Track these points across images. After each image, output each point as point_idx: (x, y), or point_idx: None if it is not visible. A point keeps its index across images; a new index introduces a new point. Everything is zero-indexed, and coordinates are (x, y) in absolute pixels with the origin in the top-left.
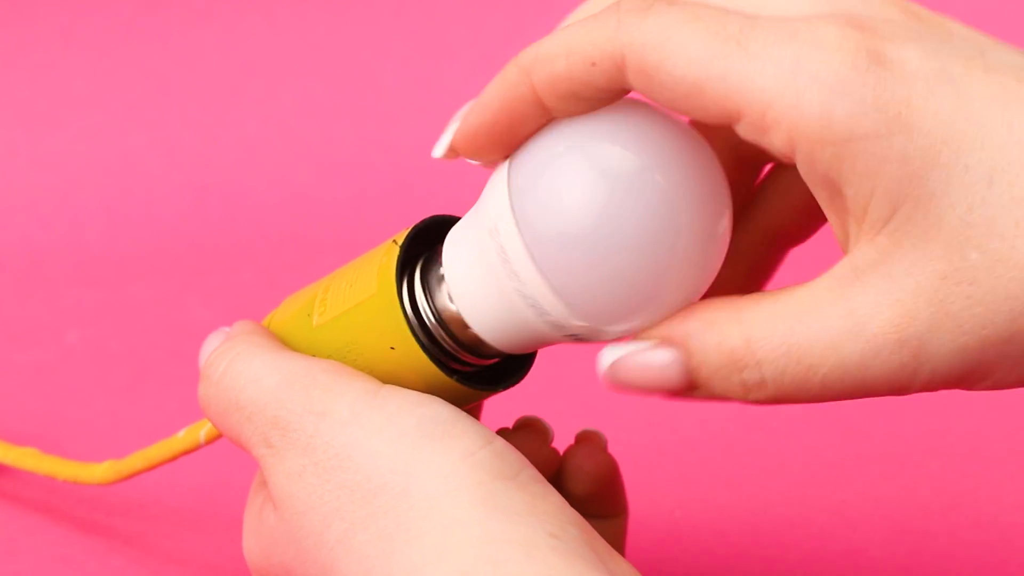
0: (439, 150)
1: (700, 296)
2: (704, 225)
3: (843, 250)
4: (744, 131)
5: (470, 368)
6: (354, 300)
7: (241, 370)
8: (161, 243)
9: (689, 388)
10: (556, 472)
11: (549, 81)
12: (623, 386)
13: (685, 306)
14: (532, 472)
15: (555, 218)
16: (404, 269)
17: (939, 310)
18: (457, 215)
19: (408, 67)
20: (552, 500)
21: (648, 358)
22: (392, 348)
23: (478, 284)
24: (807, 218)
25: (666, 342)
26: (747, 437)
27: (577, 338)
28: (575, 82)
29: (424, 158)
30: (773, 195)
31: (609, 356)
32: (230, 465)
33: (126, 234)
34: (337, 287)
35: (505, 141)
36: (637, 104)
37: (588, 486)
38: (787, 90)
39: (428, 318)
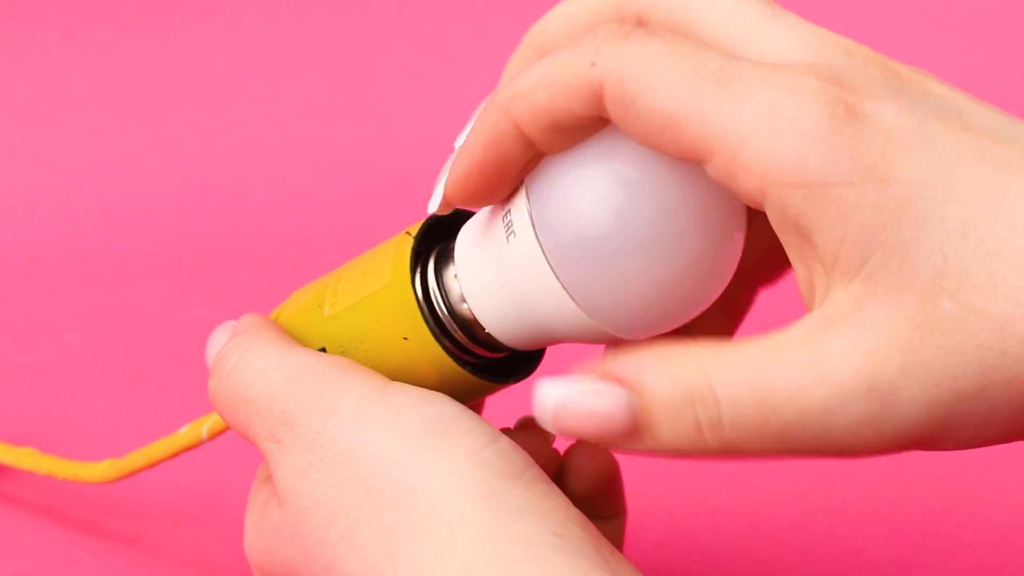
0: (433, 205)
1: (710, 304)
2: (718, 230)
3: (807, 304)
4: (714, 171)
5: (481, 360)
6: (367, 290)
7: (250, 365)
8: (161, 243)
9: (637, 433)
10: (557, 472)
11: (531, 115)
12: (567, 432)
13: (697, 313)
14: (536, 471)
15: (572, 221)
16: (418, 260)
17: (911, 360)
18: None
19: (408, 67)
20: (556, 499)
21: (596, 400)
22: (405, 338)
23: (490, 281)
24: (778, 257)
25: (614, 379)
26: None
27: (588, 340)
28: (556, 113)
29: (424, 158)
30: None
31: (551, 396)
32: (230, 465)
33: (126, 234)
34: (349, 278)
35: (496, 182)
36: None
37: (588, 485)
38: (762, 133)
39: (441, 309)
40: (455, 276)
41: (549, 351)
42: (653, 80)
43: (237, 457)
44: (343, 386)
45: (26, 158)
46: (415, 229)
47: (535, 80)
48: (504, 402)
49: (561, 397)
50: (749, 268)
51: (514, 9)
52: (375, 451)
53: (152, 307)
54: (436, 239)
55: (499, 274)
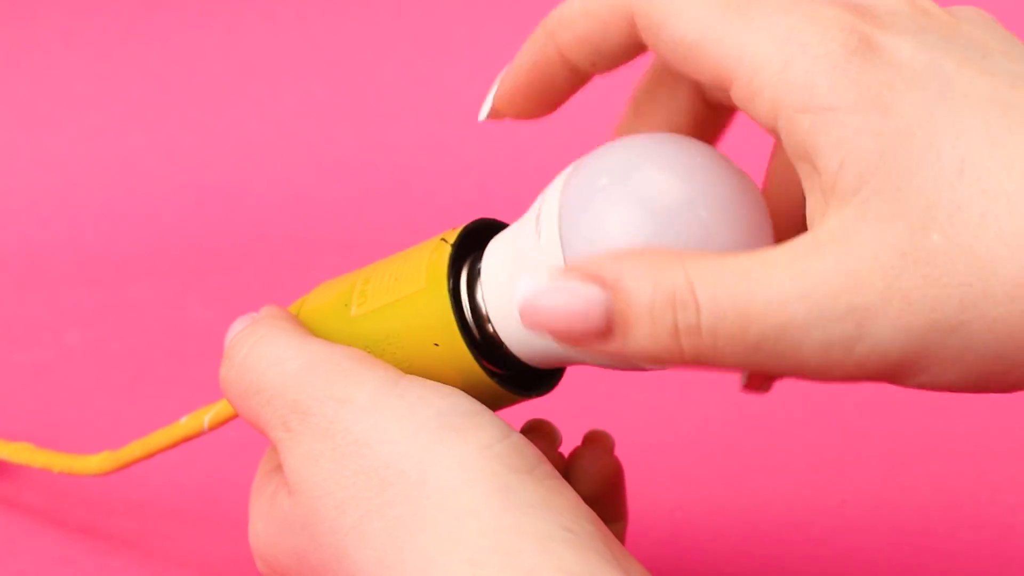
0: (483, 114)
1: None
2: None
3: (808, 225)
4: (736, 97)
5: (507, 372)
6: (400, 293)
7: (263, 353)
8: (161, 243)
9: (610, 333)
10: (563, 475)
11: (572, 43)
12: (537, 325)
13: None
14: (548, 468)
15: (599, 248)
16: (453, 268)
17: (892, 285)
18: (471, 216)
19: (408, 67)
20: (567, 495)
21: (571, 296)
22: (436, 344)
23: (512, 299)
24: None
25: (594, 279)
26: (747, 437)
27: (606, 364)
28: (596, 40)
29: (424, 158)
30: (774, 181)
31: (525, 286)
32: (231, 465)
33: (126, 234)
34: (379, 279)
35: (543, 100)
36: (684, 138)
37: (593, 488)
38: (775, 57)
39: (471, 321)
40: (482, 296)
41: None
42: (678, 8)
43: (238, 456)
44: (357, 377)
45: (26, 158)
46: (451, 236)
47: (575, 9)
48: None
49: (535, 289)
50: (787, 217)
51: (514, 9)
52: (387, 442)
53: (152, 307)
54: (472, 246)
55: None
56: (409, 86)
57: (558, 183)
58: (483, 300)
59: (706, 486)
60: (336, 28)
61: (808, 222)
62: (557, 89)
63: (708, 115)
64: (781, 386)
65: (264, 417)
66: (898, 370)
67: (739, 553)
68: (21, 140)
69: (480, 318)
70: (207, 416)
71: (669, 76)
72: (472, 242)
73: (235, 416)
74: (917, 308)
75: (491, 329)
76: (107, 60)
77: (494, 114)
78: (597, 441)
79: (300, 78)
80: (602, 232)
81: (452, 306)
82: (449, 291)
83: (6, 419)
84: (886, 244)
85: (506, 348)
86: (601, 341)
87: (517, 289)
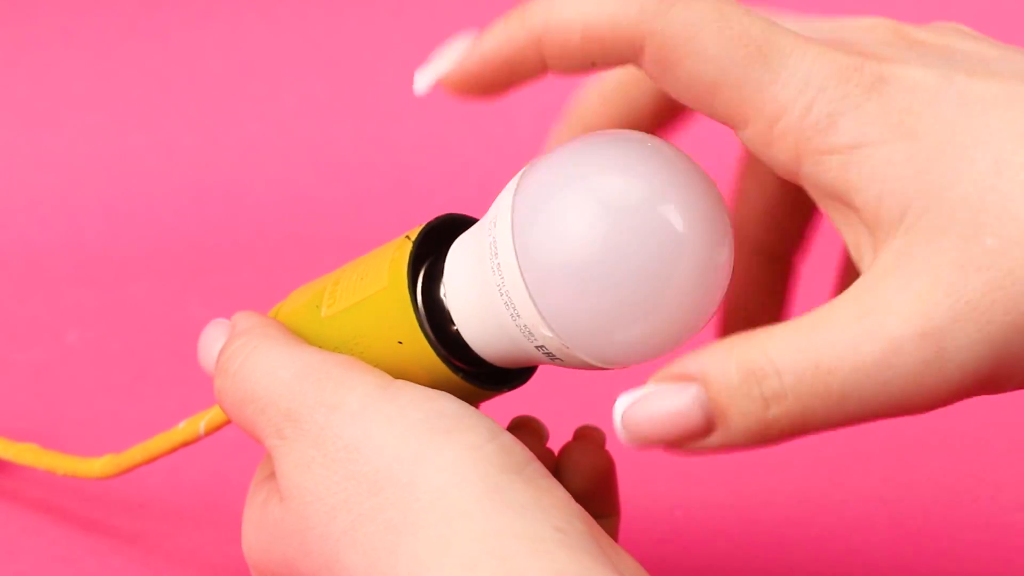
0: (422, 85)
1: (700, 330)
2: (704, 258)
3: (858, 268)
4: (748, 139)
5: (476, 367)
6: (364, 293)
7: (256, 363)
8: (161, 243)
9: (710, 427)
10: (553, 470)
11: (560, 52)
12: (641, 438)
13: (684, 340)
14: (538, 467)
15: (553, 250)
16: (416, 265)
17: (959, 299)
18: (470, 215)
19: (408, 67)
20: (558, 494)
21: (665, 400)
22: (400, 343)
23: (474, 302)
24: (797, 226)
25: (681, 379)
26: None
27: (568, 365)
28: (587, 57)
29: (424, 158)
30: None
31: (623, 403)
32: (231, 464)
33: (126, 234)
34: (348, 280)
35: (497, 88)
36: (642, 136)
37: (585, 483)
38: (797, 102)
39: (426, 316)
40: (444, 295)
41: None
42: (696, 48)
43: (238, 456)
44: (347, 383)
45: (26, 158)
46: (414, 233)
47: (573, 20)
48: (502, 400)
49: (630, 401)
50: (773, 244)
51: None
52: (377, 447)
53: (152, 307)
54: (436, 243)
55: (481, 297)
56: (409, 86)
57: (513, 182)
58: (445, 299)
59: (706, 485)
60: (336, 28)
61: (855, 260)
62: (516, 82)
63: (799, 193)
64: None
65: (259, 426)
66: (991, 380)
67: (739, 552)
68: (21, 140)
69: (443, 316)
70: (202, 422)
71: (750, 165)
72: (440, 238)
73: (230, 421)
74: (989, 315)
75: (454, 329)
76: (107, 60)
77: (433, 85)
78: (588, 436)
79: (300, 78)
80: (554, 233)
81: (412, 303)
82: (410, 288)
83: (6, 419)
84: (942, 261)
85: (472, 348)
86: (702, 436)
87: (615, 410)
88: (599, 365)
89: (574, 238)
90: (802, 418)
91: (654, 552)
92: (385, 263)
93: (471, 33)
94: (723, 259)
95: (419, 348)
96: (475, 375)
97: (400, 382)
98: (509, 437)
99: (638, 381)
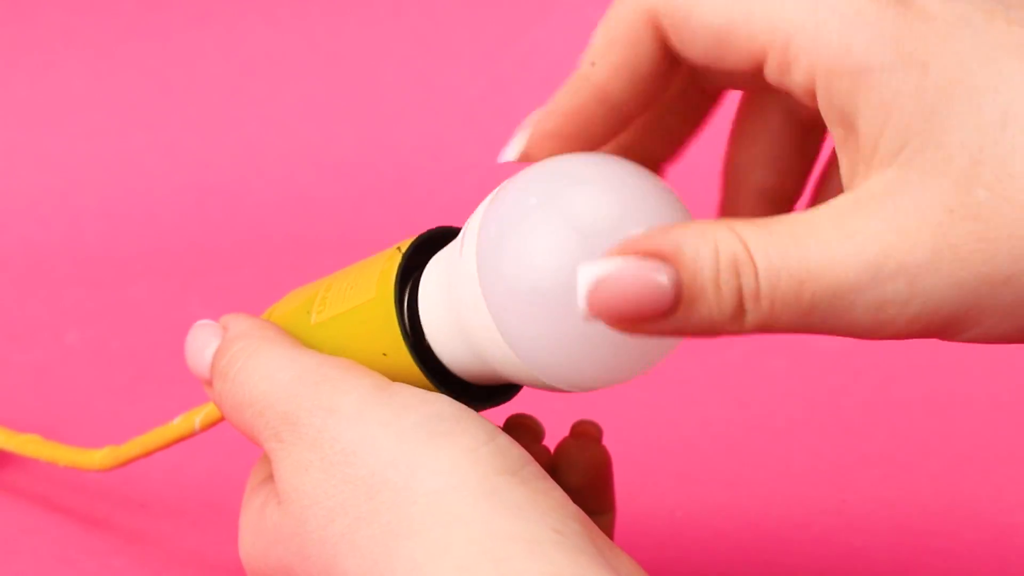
0: (511, 155)
1: (671, 351)
2: None
3: (846, 189)
4: (771, 73)
5: (459, 382)
6: (352, 302)
7: (255, 366)
8: (161, 243)
9: (675, 305)
10: (549, 468)
11: (608, 75)
12: (604, 314)
13: (654, 364)
14: (535, 468)
15: (518, 276)
16: (405, 278)
17: (942, 242)
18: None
19: (408, 67)
20: (555, 496)
21: (638, 278)
22: (384, 354)
23: (444, 323)
24: (795, 164)
25: (654, 254)
26: (748, 437)
27: (536, 386)
28: (630, 66)
29: (424, 158)
30: (757, 148)
31: (588, 274)
32: (232, 463)
33: (126, 234)
34: (338, 287)
35: (577, 141)
36: (609, 157)
37: (581, 478)
38: (808, 22)
39: (410, 330)
40: (420, 314)
41: None
42: None
43: (238, 456)
44: (344, 386)
45: (26, 158)
46: (406, 245)
47: (600, 43)
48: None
49: (600, 273)
50: (775, 188)
51: (514, 9)
52: (374, 450)
53: (152, 307)
54: (427, 256)
55: (449, 314)
56: (409, 86)
57: (485, 203)
58: (420, 317)
59: (707, 486)
60: (336, 28)
61: (845, 183)
62: (596, 133)
63: (805, 135)
64: (783, 387)
65: (257, 429)
66: (950, 326)
67: (740, 553)
68: (21, 140)
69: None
70: (198, 417)
71: (756, 106)
72: (432, 250)
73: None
74: (968, 263)
75: (428, 344)
76: (107, 60)
77: (523, 157)
78: (585, 432)
79: (300, 78)
80: (518, 259)
81: (398, 317)
82: (396, 302)
83: (6, 419)
84: (933, 201)
85: (445, 366)
86: (667, 317)
87: (579, 278)
88: (567, 389)
89: (537, 264)
90: (765, 320)
91: (654, 553)
92: (375, 274)
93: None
94: None
95: (403, 361)
96: (459, 390)
97: (397, 384)
98: (506, 439)
99: (659, 385)
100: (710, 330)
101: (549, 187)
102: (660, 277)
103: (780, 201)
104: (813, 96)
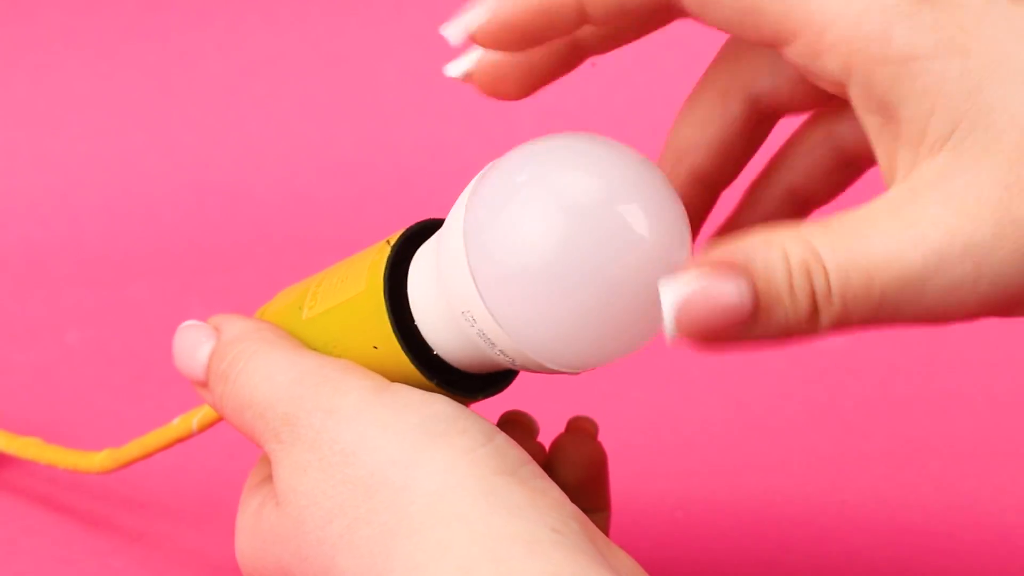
0: (454, 36)
1: (647, 340)
2: (663, 258)
3: (887, 183)
4: (795, 54)
5: (453, 374)
6: (342, 296)
7: (255, 368)
8: (161, 243)
9: (754, 315)
10: (544, 464)
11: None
12: (695, 334)
13: (646, 341)
14: (533, 468)
15: (505, 255)
16: (394, 269)
17: (1004, 217)
18: None
19: (408, 67)
20: (553, 495)
21: (720, 293)
22: (375, 347)
23: (435, 310)
24: (832, 177)
25: (726, 268)
26: (748, 437)
27: (531, 369)
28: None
29: (424, 158)
30: (798, 154)
31: (671, 297)
32: (232, 463)
33: (126, 234)
34: (329, 282)
35: (530, 40)
36: (596, 137)
37: (578, 474)
38: (847, 11)
39: (409, 322)
40: (410, 303)
41: None
42: None
43: (238, 456)
44: (344, 388)
45: (26, 158)
46: (395, 238)
47: None
48: (501, 394)
49: (682, 296)
50: (804, 187)
51: None
52: (373, 450)
53: (152, 307)
54: (417, 248)
55: (438, 300)
56: (409, 86)
57: (467, 190)
58: (411, 307)
59: (707, 486)
60: (336, 28)
61: (889, 174)
62: (552, 35)
63: (756, 125)
64: (783, 386)
65: (258, 430)
66: (1018, 301)
67: (740, 552)
68: (21, 140)
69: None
70: (195, 419)
71: (720, 85)
72: (421, 242)
73: (222, 419)
74: None
75: (420, 334)
76: (107, 60)
77: (465, 39)
78: (580, 428)
79: (300, 78)
80: (506, 237)
81: (387, 308)
82: (385, 294)
83: (6, 419)
84: (989, 180)
85: (438, 355)
86: (748, 327)
87: (663, 303)
88: (560, 370)
89: (525, 242)
90: (839, 317)
91: (655, 553)
92: (364, 267)
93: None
94: (683, 260)
95: (393, 353)
96: (450, 382)
97: (396, 385)
98: (504, 439)
99: (659, 384)
100: (787, 333)
101: (537, 166)
102: (738, 289)
103: (713, 185)
104: (839, 84)
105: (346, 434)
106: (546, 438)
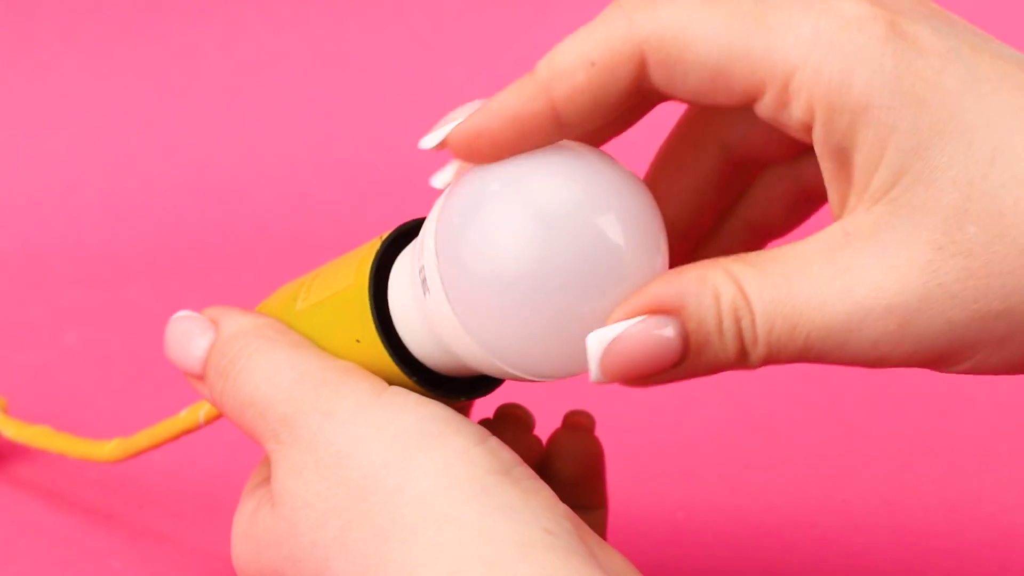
0: (431, 142)
1: None
2: (637, 267)
3: (835, 219)
4: (765, 108)
5: (436, 375)
6: (332, 289)
7: (257, 366)
8: (160, 243)
9: (684, 355)
10: (541, 460)
11: (569, 95)
12: (620, 376)
13: None
14: (525, 469)
15: (476, 264)
16: (382, 266)
17: (932, 280)
18: None
19: (408, 67)
20: (545, 495)
21: (649, 337)
22: (358, 341)
23: (411, 313)
24: (791, 211)
25: (658, 310)
26: (749, 437)
27: (504, 376)
28: (597, 93)
29: (424, 158)
30: (757, 187)
31: (597, 341)
32: (232, 463)
33: (125, 234)
34: (324, 276)
35: (506, 150)
36: (569, 144)
37: (575, 469)
38: (809, 58)
39: (377, 319)
40: (390, 304)
41: None
42: (694, 34)
43: (239, 455)
44: (343, 390)
45: (25, 158)
46: (388, 235)
47: (573, 58)
48: (500, 389)
49: (608, 337)
50: (761, 219)
51: (514, 9)
52: (367, 452)
53: (151, 307)
54: (407, 245)
55: (413, 303)
56: (409, 86)
57: (445, 193)
58: (391, 308)
59: (708, 486)
60: (336, 28)
61: (834, 214)
62: (528, 145)
63: (732, 175)
64: (783, 387)
65: (258, 430)
66: (943, 359)
67: (741, 553)
68: (20, 140)
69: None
70: (202, 411)
71: (693, 136)
72: (411, 240)
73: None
74: (959, 301)
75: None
76: (106, 59)
77: (440, 146)
78: (577, 422)
79: (299, 77)
80: (477, 246)
81: (371, 305)
82: (369, 290)
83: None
84: (922, 239)
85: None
86: (675, 367)
87: (588, 346)
88: (528, 378)
89: (499, 251)
90: (765, 359)
91: (657, 554)
92: (355, 262)
93: (480, 99)
94: (659, 267)
95: (375, 349)
96: (434, 382)
97: (394, 388)
98: (497, 441)
99: (660, 385)
100: (717, 370)
101: (510, 174)
102: (667, 331)
103: (689, 235)
104: (808, 130)
105: (341, 436)
106: (545, 435)
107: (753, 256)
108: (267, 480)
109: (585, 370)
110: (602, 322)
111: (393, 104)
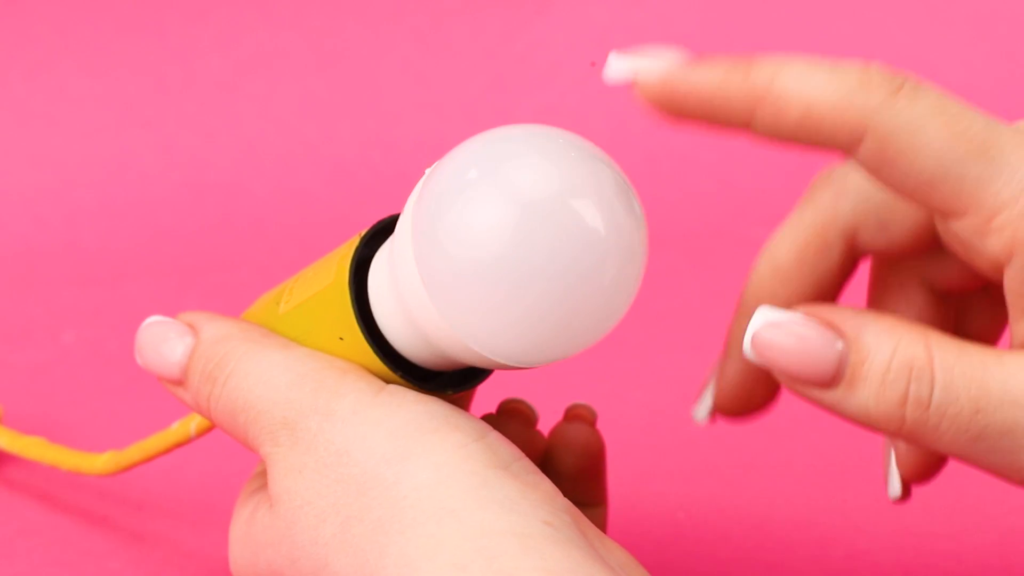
0: (616, 73)
1: (616, 322)
2: (615, 251)
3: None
4: (960, 228)
5: (421, 369)
6: (313, 289)
7: (248, 370)
8: (158, 242)
9: (833, 381)
10: (543, 453)
11: (772, 120)
12: (764, 360)
13: (584, 344)
14: (525, 463)
15: (453, 250)
16: (361, 263)
17: None
18: None
19: (408, 67)
20: (545, 488)
21: (807, 340)
22: (341, 339)
23: (390, 305)
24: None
25: (830, 327)
26: (750, 438)
27: (485, 366)
28: (799, 133)
29: (424, 158)
30: (890, 290)
31: (764, 317)
32: (231, 464)
33: (123, 233)
34: (304, 278)
35: (687, 118)
36: (547, 129)
37: (576, 462)
38: (1018, 201)
39: (359, 314)
40: (370, 298)
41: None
42: (920, 142)
43: (238, 456)
44: (342, 390)
45: (23, 157)
46: (366, 232)
47: (796, 94)
48: (489, 386)
49: (773, 319)
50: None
51: (514, 9)
52: (366, 448)
53: (149, 307)
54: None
55: (391, 294)
56: (407, 84)
57: (422, 180)
58: (371, 303)
59: (709, 487)
60: (336, 27)
61: (1014, 343)
62: (713, 124)
63: (849, 260)
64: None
65: (251, 434)
66: None
67: (743, 553)
68: (18, 139)
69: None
70: (193, 424)
71: (820, 219)
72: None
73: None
74: None
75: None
76: (105, 59)
77: (629, 83)
78: (579, 415)
79: (299, 76)
80: (451, 233)
81: (351, 300)
82: (350, 286)
83: (3, 420)
84: None
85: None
86: (822, 389)
87: (753, 320)
88: (505, 364)
89: (476, 236)
90: (927, 431)
91: (658, 554)
92: (335, 261)
93: (686, 52)
94: (637, 254)
95: (359, 345)
96: (420, 377)
97: (392, 387)
98: (496, 436)
99: (661, 385)
100: (864, 420)
101: (488, 160)
102: (830, 347)
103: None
104: (996, 266)
105: (340, 436)
106: (548, 430)
107: (957, 339)
108: (262, 487)
109: (562, 357)
110: (578, 307)
111: (391, 102)
